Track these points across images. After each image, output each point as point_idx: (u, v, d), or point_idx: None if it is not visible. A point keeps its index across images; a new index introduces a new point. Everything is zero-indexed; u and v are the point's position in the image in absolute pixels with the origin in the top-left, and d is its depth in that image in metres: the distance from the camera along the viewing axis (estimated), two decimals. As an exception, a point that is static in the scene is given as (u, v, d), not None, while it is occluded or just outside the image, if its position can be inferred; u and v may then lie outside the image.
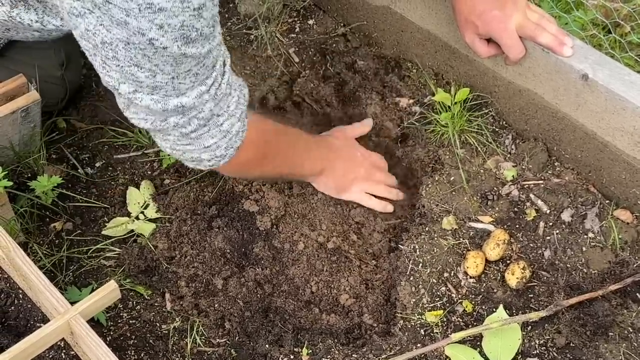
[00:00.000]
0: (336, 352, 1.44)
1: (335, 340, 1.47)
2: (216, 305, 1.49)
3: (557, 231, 1.57)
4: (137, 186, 1.65)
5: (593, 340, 1.42)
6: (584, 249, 1.54)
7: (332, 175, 1.60)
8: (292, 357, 1.45)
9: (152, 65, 1.05)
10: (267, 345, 1.45)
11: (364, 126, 1.72)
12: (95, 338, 1.23)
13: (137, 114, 1.19)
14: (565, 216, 1.58)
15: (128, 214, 1.61)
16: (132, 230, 1.59)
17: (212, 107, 1.19)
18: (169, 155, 1.63)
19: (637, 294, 1.48)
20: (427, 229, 1.60)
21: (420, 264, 1.55)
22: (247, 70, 1.89)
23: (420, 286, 1.53)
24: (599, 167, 1.59)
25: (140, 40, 1.00)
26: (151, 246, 1.56)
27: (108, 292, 1.28)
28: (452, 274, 1.53)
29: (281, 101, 1.80)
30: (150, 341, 1.47)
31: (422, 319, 1.48)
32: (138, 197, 1.62)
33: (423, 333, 1.47)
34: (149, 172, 1.70)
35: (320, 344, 1.46)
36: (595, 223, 1.57)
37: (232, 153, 1.29)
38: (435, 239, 1.57)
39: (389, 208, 1.65)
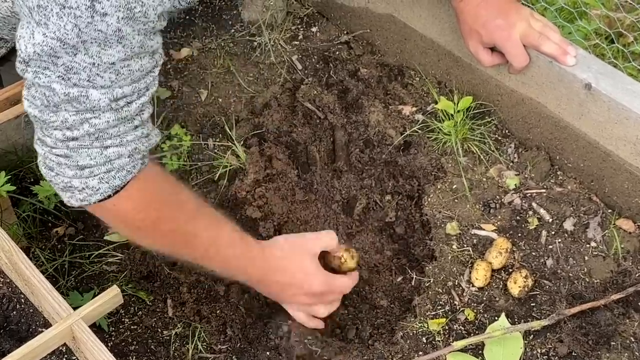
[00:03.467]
0: (337, 359, 1.44)
1: (337, 348, 1.47)
2: (218, 312, 1.49)
3: (560, 240, 1.57)
4: (140, 192, 1.65)
5: (595, 350, 1.42)
6: (586, 258, 1.54)
7: (265, 289, 1.44)
8: (293, 364, 1.44)
9: (78, 41, 0.98)
10: (267, 353, 1.45)
11: (329, 238, 1.44)
12: (97, 343, 1.23)
13: (33, 97, 1.08)
14: (568, 225, 1.58)
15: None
16: (135, 236, 1.58)
17: (110, 120, 1.07)
18: (171, 160, 1.65)
19: (640, 304, 1.48)
20: (430, 235, 1.60)
21: (424, 272, 1.56)
22: (250, 77, 1.90)
23: (423, 294, 1.52)
24: (601, 177, 1.59)
25: (79, 2, 0.94)
26: (153, 252, 1.55)
27: (110, 297, 1.28)
28: (455, 282, 1.53)
29: (284, 108, 1.80)
30: (152, 347, 1.46)
31: (425, 326, 1.48)
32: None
33: (425, 341, 1.46)
34: (152, 178, 1.70)
35: (322, 350, 1.45)
36: (597, 232, 1.57)
37: (106, 191, 1.13)
38: (440, 245, 1.57)
39: (320, 325, 1.47)
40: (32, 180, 1.64)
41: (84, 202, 1.16)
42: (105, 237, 1.59)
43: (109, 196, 1.14)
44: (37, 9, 0.97)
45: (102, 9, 0.96)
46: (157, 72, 1.12)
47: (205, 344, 1.47)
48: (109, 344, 1.46)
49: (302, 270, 1.39)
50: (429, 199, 1.65)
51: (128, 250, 1.57)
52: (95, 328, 1.46)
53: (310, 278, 1.39)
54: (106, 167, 1.12)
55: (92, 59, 1.01)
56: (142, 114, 1.13)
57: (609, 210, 1.60)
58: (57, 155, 1.11)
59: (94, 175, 1.12)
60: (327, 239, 1.43)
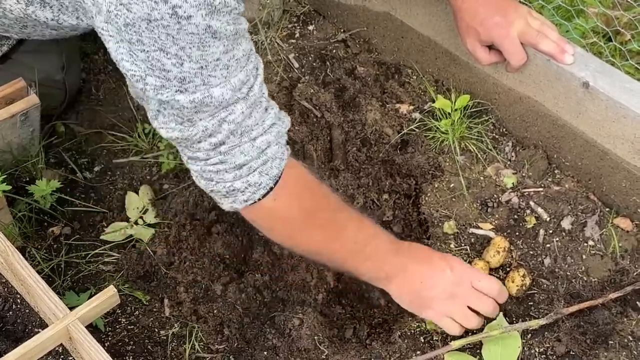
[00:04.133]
0: (335, 359, 1.44)
1: (335, 347, 1.47)
2: (215, 311, 1.49)
3: (557, 239, 1.56)
4: (136, 191, 1.65)
5: (593, 349, 1.42)
6: (584, 256, 1.54)
7: (407, 284, 1.37)
8: (291, 364, 1.44)
9: (177, 48, 0.99)
10: (265, 352, 1.44)
11: (501, 292, 1.42)
12: (94, 344, 1.22)
13: (165, 122, 1.11)
14: (565, 224, 1.58)
15: (127, 219, 1.60)
16: (131, 236, 1.58)
17: (244, 110, 1.10)
18: (167, 159, 1.64)
19: (637, 302, 1.47)
20: (428, 234, 1.60)
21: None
22: (247, 75, 1.89)
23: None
24: (599, 175, 1.59)
25: (162, 13, 0.95)
26: (150, 251, 1.55)
27: (107, 298, 1.28)
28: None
29: (281, 106, 1.79)
30: (149, 347, 1.46)
31: (422, 326, 1.47)
32: (137, 202, 1.61)
33: (423, 340, 1.46)
34: (148, 177, 1.70)
35: (319, 350, 1.45)
36: (595, 231, 1.56)
37: (268, 183, 1.16)
38: (438, 244, 1.57)
39: (458, 332, 1.41)
40: (27, 179, 1.64)
41: (248, 201, 1.18)
42: (101, 237, 1.59)
43: (271, 189, 1.17)
44: (125, 27, 0.98)
45: (185, 12, 0.96)
46: (254, 49, 1.12)
47: (202, 343, 1.47)
48: (106, 344, 1.45)
49: (445, 259, 1.39)
50: (427, 198, 1.65)
51: (124, 251, 1.57)
52: (92, 328, 1.45)
53: (454, 263, 1.39)
54: (261, 159, 1.14)
55: (198, 63, 1.02)
56: (264, 93, 1.14)
57: (607, 209, 1.60)
58: (213, 164, 1.14)
59: (253, 171, 1.15)
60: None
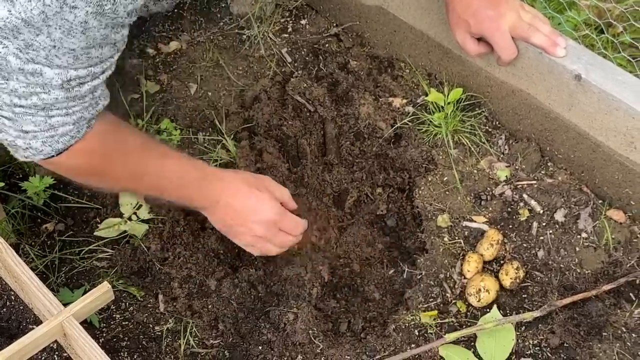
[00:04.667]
0: (329, 353, 1.44)
1: (330, 341, 1.47)
2: (210, 307, 1.49)
3: (551, 231, 1.57)
4: (130, 187, 1.64)
5: (587, 341, 1.43)
6: (577, 249, 1.54)
7: (216, 216, 1.45)
8: (284, 359, 1.44)
9: (43, 24, 0.98)
10: (259, 347, 1.44)
11: (292, 203, 1.52)
12: (89, 340, 1.22)
13: None
14: (559, 216, 1.58)
15: (120, 215, 1.60)
16: (125, 231, 1.58)
17: (59, 98, 1.09)
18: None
19: (631, 294, 1.48)
20: (421, 228, 1.60)
21: (415, 265, 1.56)
22: (240, 70, 1.89)
23: (415, 286, 1.52)
24: (591, 167, 1.59)
25: None
26: (144, 247, 1.55)
27: (101, 294, 1.28)
28: (447, 275, 1.53)
29: (274, 101, 1.79)
30: (144, 343, 1.46)
31: (417, 319, 1.48)
32: (130, 197, 1.61)
33: (417, 334, 1.46)
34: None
35: (314, 344, 1.45)
36: (588, 223, 1.57)
37: (49, 153, 1.16)
38: (431, 238, 1.57)
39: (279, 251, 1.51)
40: (20, 176, 1.63)
41: (27, 159, 1.19)
42: (95, 233, 1.58)
43: (52, 156, 1.17)
44: None
45: (73, 1, 0.96)
46: (117, 58, 1.12)
47: (197, 339, 1.47)
48: (100, 340, 1.45)
49: (256, 195, 1.43)
50: (420, 192, 1.65)
51: (118, 246, 1.56)
52: (87, 324, 1.45)
53: (264, 202, 1.44)
54: (49, 133, 1.13)
55: (54, 42, 1.01)
56: (95, 92, 1.13)
57: (600, 201, 1.60)
58: (2, 116, 1.12)
59: (37, 139, 1.13)
60: (284, 191, 1.49)
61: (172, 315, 1.49)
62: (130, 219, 1.58)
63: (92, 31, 1.01)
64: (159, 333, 1.47)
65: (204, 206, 1.44)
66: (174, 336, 1.47)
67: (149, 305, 1.51)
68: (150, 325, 1.48)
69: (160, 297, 1.51)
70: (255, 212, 1.43)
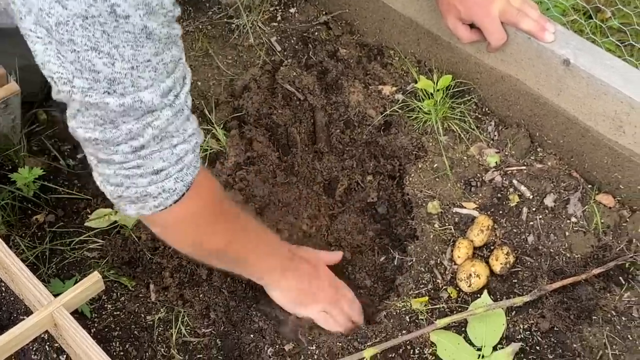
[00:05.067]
0: (320, 340, 1.44)
1: (321, 328, 1.47)
2: (201, 296, 1.49)
3: (540, 216, 1.57)
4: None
5: (577, 324, 1.43)
6: (567, 233, 1.55)
7: (294, 282, 1.44)
8: (276, 347, 1.44)
9: (111, 47, 0.96)
10: (251, 335, 1.45)
11: (335, 256, 1.57)
12: (79, 330, 1.22)
13: (85, 123, 1.05)
14: (548, 201, 1.59)
15: (111, 206, 1.59)
16: (116, 222, 1.58)
17: (169, 117, 1.07)
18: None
19: (620, 278, 1.49)
20: (412, 215, 1.61)
21: (406, 251, 1.56)
22: (229, 59, 1.88)
23: (405, 273, 1.53)
24: (581, 152, 1.59)
25: (100, 10, 0.93)
26: (135, 237, 1.55)
27: (92, 284, 1.28)
28: (437, 261, 1.54)
29: (264, 90, 1.79)
30: (135, 332, 1.46)
31: (408, 305, 1.48)
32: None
33: (408, 320, 1.47)
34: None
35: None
36: (577, 208, 1.57)
37: (182, 190, 1.14)
38: (422, 225, 1.57)
39: (343, 331, 1.49)
40: (10, 167, 1.63)
41: (158, 207, 1.14)
42: (86, 224, 1.58)
43: (183, 195, 1.15)
44: (57, 27, 0.94)
45: (123, 11, 0.94)
46: (185, 59, 1.10)
47: (189, 328, 1.47)
48: (92, 330, 1.45)
49: (316, 260, 1.50)
50: (410, 179, 1.65)
51: (109, 237, 1.56)
52: (78, 315, 1.45)
53: (334, 280, 1.51)
54: (179, 165, 1.12)
55: (130, 62, 0.99)
56: (188, 102, 1.11)
57: (589, 186, 1.61)
58: (129, 167, 1.09)
59: (170, 177, 1.12)
60: (333, 257, 1.56)
61: (163, 305, 1.49)
62: (120, 209, 1.58)
63: (155, 33, 0.99)
64: (151, 322, 1.47)
65: (267, 282, 1.45)
66: (166, 325, 1.47)
67: (141, 295, 1.51)
68: (142, 315, 1.48)
69: (152, 286, 1.51)
70: (318, 271, 1.49)
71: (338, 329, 1.46)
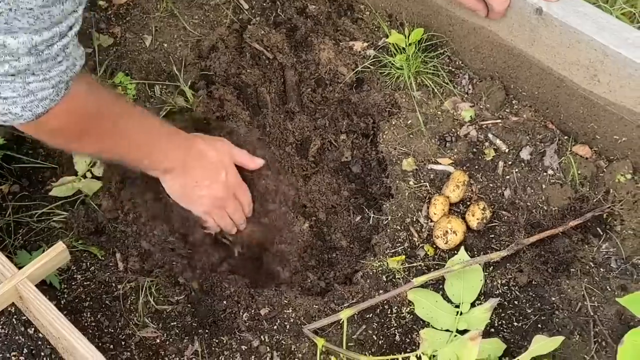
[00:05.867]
0: (296, 303, 1.42)
1: (297, 291, 1.45)
2: (168, 264, 1.45)
3: (517, 170, 1.55)
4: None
5: (555, 277, 1.42)
6: (543, 186, 1.52)
7: (181, 179, 1.39)
8: (251, 311, 1.42)
9: None
10: (224, 302, 1.42)
11: (253, 161, 1.49)
12: (44, 302, 1.19)
13: None
14: (524, 154, 1.56)
15: (75, 174, 1.55)
16: (80, 190, 1.52)
17: (31, 64, 1.03)
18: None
19: (598, 229, 1.47)
20: (386, 173, 1.58)
21: (381, 210, 1.53)
22: (195, 19, 1.82)
23: (381, 232, 1.50)
24: (556, 103, 1.56)
25: None
26: (94, 205, 1.50)
27: (57, 254, 1.24)
28: (413, 219, 1.51)
29: (232, 50, 1.73)
30: (107, 302, 1.43)
31: (384, 265, 1.46)
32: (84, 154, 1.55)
33: (385, 279, 1.45)
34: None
35: (279, 297, 1.43)
36: (554, 160, 1.55)
37: (30, 117, 1.10)
38: (397, 182, 1.54)
39: (216, 229, 1.48)
40: (-30, 138, 1.57)
41: (6, 123, 1.12)
42: (50, 193, 1.53)
43: (32, 120, 1.11)
44: None
45: None
46: (81, 11, 1.06)
47: (161, 296, 1.44)
48: (62, 302, 1.42)
49: (221, 161, 1.41)
50: (384, 136, 1.62)
51: (72, 208, 1.51)
52: (47, 286, 1.42)
53: (228, 168, 1.42)
54: (29, 98, 1.08)
55: (9, 4, 0.95)
56: (66, 49, 1.07)
57: (565, 137, 1.58)
58: None
59: (16, 104, 1.08)
60: (243, 152, 1.47)
61: (134, 273, 1.46)
62: (85, 176, 1.53)
63: None
64: (122, 292, 1.44)
65: (169, 169, 1.37)
66: (137, 294, 1.44)
67: (111, 265, 1.47)
68: (113, 285, 1.45)
69: (118, 255, 1.47)
70: (218, 174, 1.40)
71: (216, 230, 1.46)
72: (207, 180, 1.40)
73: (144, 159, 1.34)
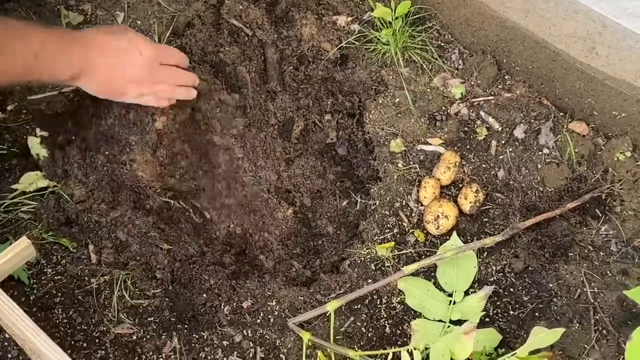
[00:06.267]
0: (281, 295, 1.34)
1: (280, 281, 1.37)
2: (143, 255, 1.36)
3: (510, 149, 1.47)
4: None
5: (552, 263, 1.35)
6: (539, 166, 1.45)
7: (95, 78, 1.31)
8: (233, 304, 1.34)
9: None
10: (204, 295, 1.34)
11: (181, 58, 1.43)
12: (7, 301, 1.11)
13: None
14: (518, 133, 1.49)
15: (40, 169, 1.45)
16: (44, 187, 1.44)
17: None
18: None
19: (597, 210, 1.40)
20: (374, 155, 1.50)
21: (369, 194, 1.46)
22: (170, -6, 1.73)
23: (369, 217, 1.43)
24: (551, 78, 1.49)
25: None
26: (66, 196, 1.41)
27: (20, 250, 1.16)
28: (403, 203, 1.43)
29: (208, 26, 1.64)
30: (79, 297, 1.35)
31: (373, 252, 1.38)
32: (38, 147, 1.46)
33: (374, 268, 1.37)
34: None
35: (262, 288, 1.36)
36: (549, 138, 1.47)
37: None
38: (385, 165, 1.46)
39: (166, 103, 1.42)
40: None
41: None
42: (13, 186, 1.44)
43: None
44: None
45: None
46: None
47: (137, 290, 1.36)
48: (31, 298, 1.33)
49: (127, 40, 1.33)
50: (371, 116, 1.54)
51: (42, 198, 1.42)
52: (15, 282, 1.33)
53: (139, 42, 1.33)
54: None
55: None
56: None
57: (561, 114, 1.50)
58: None
59: None
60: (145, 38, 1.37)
61: (108, 266, 1.37)
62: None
63: None
64: (96, 286, 1.36)
65: (75, 73, 1.29)
66: (112, 288, 1.35)
67: (83, 257, 1.38)
68: (86, 278, 1.36)
69: (91, 247, 1.38)
70: (131, 56, 1.32)
71: (165, 104, 1.40)
72: (121, 68, 1.32)
73: (40, 73, 1.24)
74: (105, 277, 1.36)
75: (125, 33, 1.34)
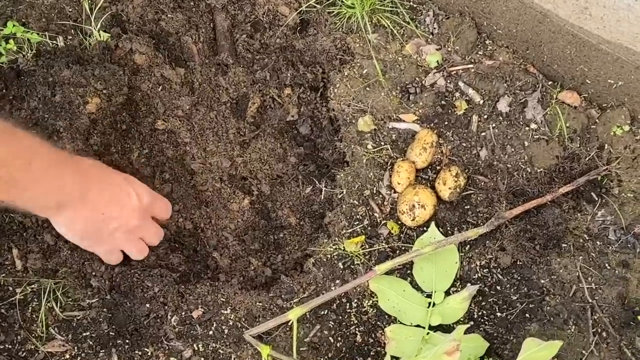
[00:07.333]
0: (236, 301, 1.18)
1: (236, 285, 1.21)
2: (76, 262, 1.19)
3: (494, 125, 1.32)
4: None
5: (544, 256, 1.22)
6: (526, 143, 1.30)
7: (82, 212, 1.10)
8: (181, 314, 1.17)
9: None
10: (147, 305, 1.17)
11: (163, 206, 1.25)
12: None
13: None
14: (502, 106, 1.34)
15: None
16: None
17: None
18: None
19: (592, 194, 1.26)
20: (339, 135, 1.33)
21: (335, 181, 1.29)
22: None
23: (336, 208, 1.26)
24: (538, 43, 1.35)
25: None
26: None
27: None
28: (373, 190, 1.27)
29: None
30: (2, 311, 1.18)
31: (340, 248, 1.22)
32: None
33: (342, 267, 1.22)
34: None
35: (215, 293, 1.19)
36: (537, 111, 1.32)
37: None
38: (352, 146, 1.30)
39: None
40: None
41: None
42: None
43: None
44: None
45: None
46: None
47: (70, 300, 1.18)
48: (-54, 314, 1.16)
49: (125, 179, 1.16)
50: (336, 90, 1.37)
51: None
52: None
53: (134, 185, 1.16)
54: None
55: None
56: None
57: (550, 83, 1.36)
58: None
59: None
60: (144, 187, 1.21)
61: (36, 274, 1.20)
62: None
63: None
64: (22, 297, 1.19)
65: (62, 202, 1.07)
66: (40, 299, 1.18)
67: (7, 263, 1.22)
68: (9, 288, 1.20)
69: (15, 252, 1.21)
70: (129, 195, 1.15)
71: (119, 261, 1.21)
72: (116, 207, 1.12)
73: (23, 193, 1.00)
74: (32, 286, 1.19)
75: (120, 176, 1.17)
